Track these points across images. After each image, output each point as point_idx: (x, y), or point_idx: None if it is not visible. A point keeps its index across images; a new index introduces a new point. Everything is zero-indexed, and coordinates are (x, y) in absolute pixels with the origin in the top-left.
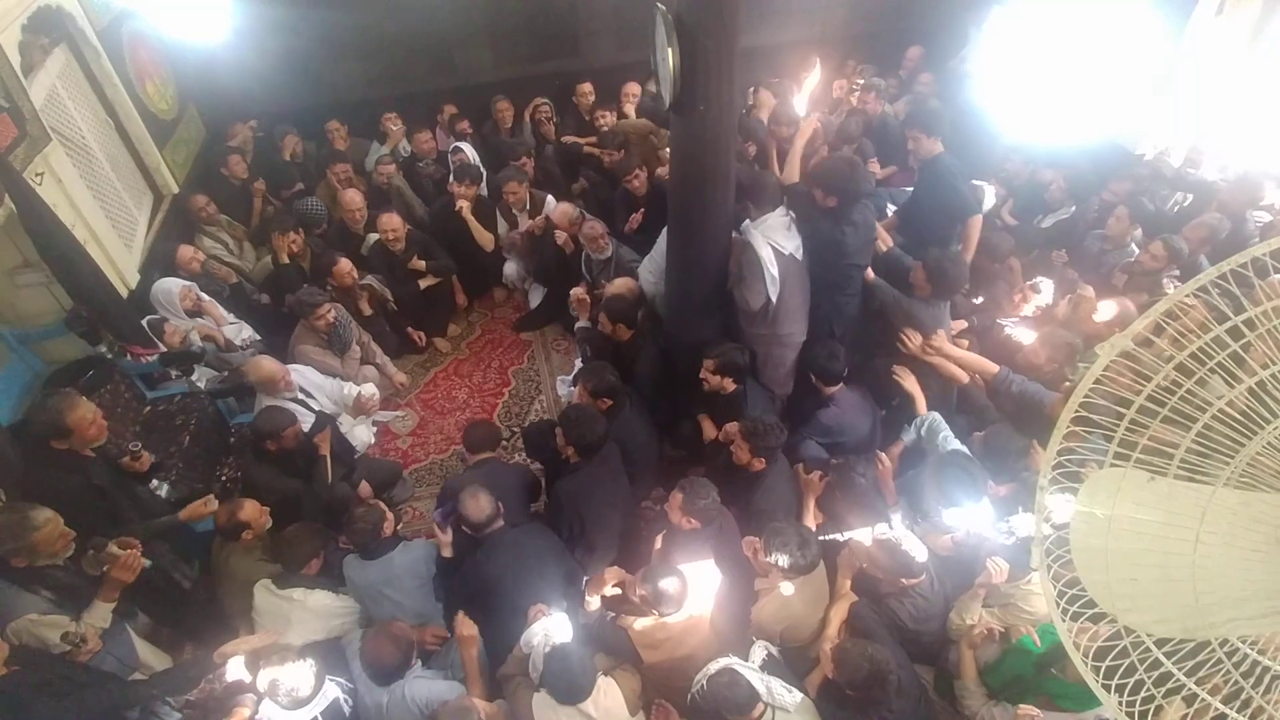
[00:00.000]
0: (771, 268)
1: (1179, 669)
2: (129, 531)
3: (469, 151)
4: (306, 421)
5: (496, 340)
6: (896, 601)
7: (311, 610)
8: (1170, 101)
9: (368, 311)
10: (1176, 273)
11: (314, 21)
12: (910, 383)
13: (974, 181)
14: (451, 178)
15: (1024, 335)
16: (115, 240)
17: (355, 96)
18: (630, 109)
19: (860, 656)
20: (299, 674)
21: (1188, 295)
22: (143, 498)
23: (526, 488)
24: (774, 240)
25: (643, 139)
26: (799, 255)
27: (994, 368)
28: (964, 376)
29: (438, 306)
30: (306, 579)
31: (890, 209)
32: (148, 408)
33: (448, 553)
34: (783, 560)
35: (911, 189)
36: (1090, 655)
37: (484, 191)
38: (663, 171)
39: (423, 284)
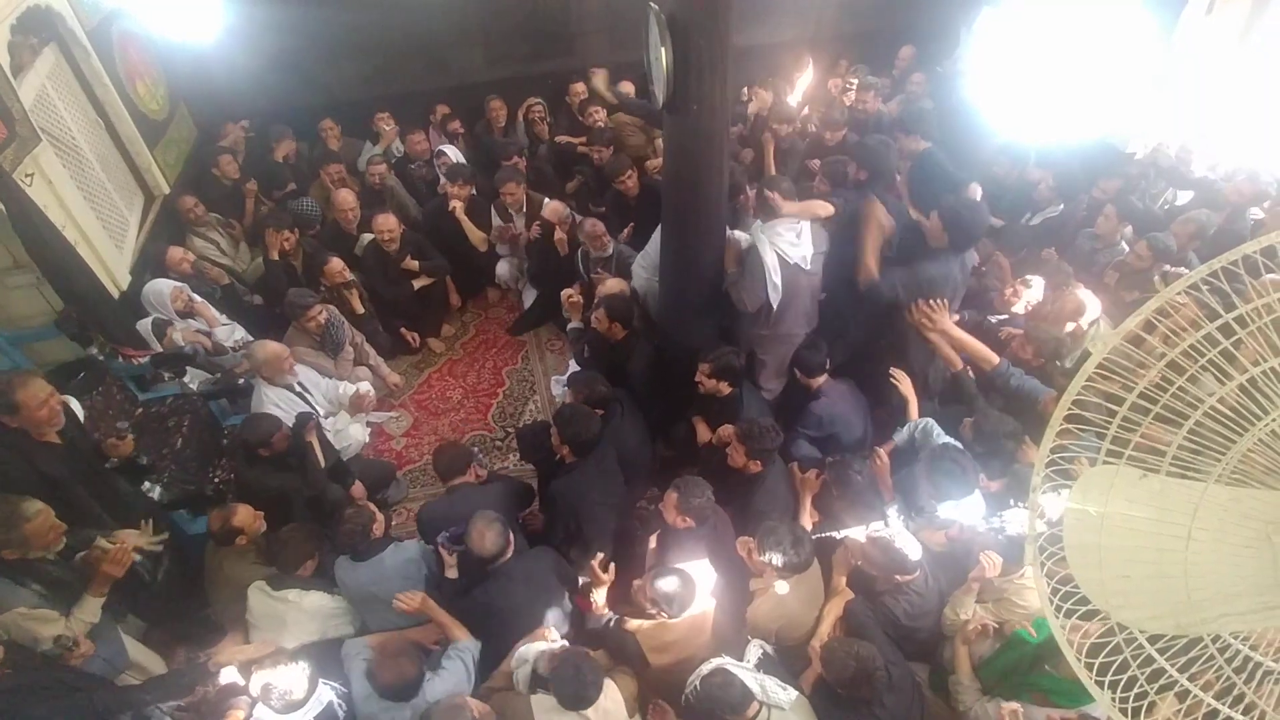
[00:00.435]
0: (775, 275)
1: (1172, 665)
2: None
3: (452, 154)
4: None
5: (490, 340)
6: (891, 598)
7: (307, 611)
8: (1161, 100)
9: (360, 309)
10: (1168, 269)
11: (306, 21)
12: (906, 386)
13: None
14: (443, 179)
15: (1016, 331)
16: (106, 241)
17: (348, 96)
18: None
19: (847, 655)
20: (292, 677)
21: (1179, 293)
22: (121, 492)
23: (507, 504)
24: (780, 248)
25: (635, 131)
26: (806, 265)
27: (995, 359)
28: (958, 362)
29: (431, 307)
30: (301, 580)
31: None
32: (140, 409)
33: (452, 574)
34: (776, 559)
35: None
36: (1084, 652)
37: (474, 191)
38: (655, 164)
39: (416, 284)
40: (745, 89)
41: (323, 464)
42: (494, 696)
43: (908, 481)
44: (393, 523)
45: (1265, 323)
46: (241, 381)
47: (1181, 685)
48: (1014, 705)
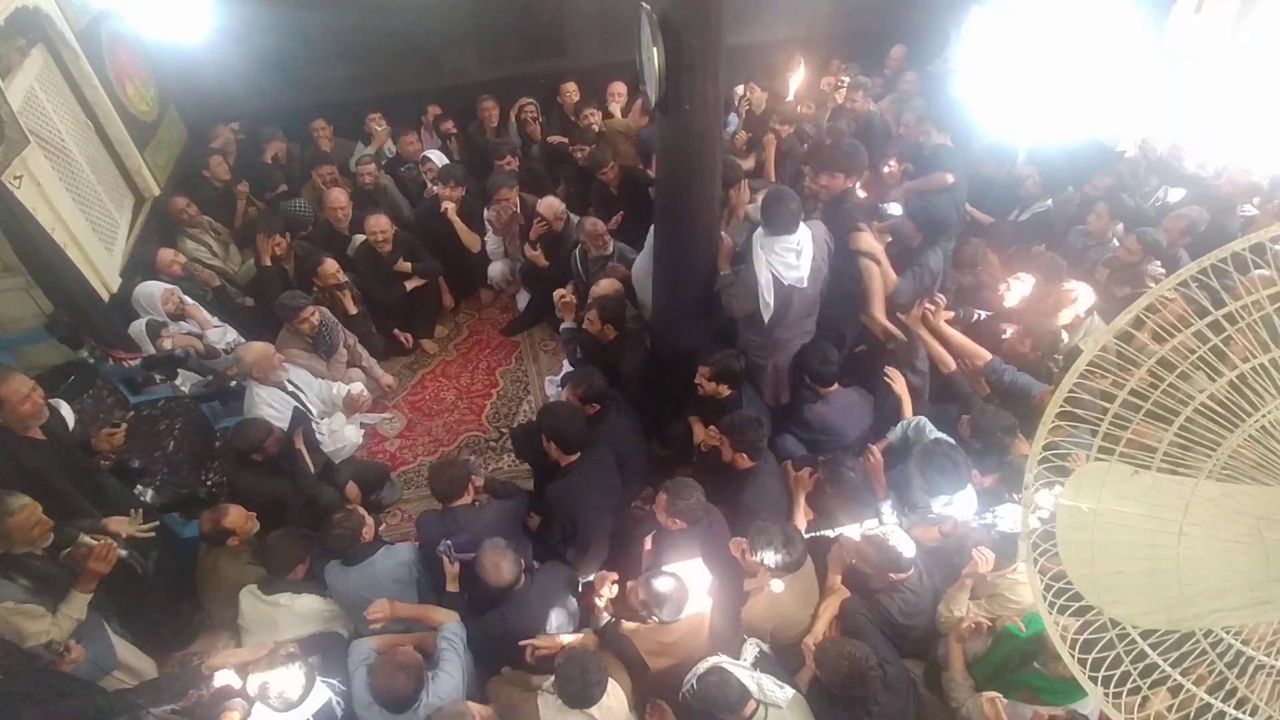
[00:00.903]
0: (767, 293)
1: (1164, 660)
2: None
3: (436, 159)
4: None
5: (484, 341)
6: (886, 596)
7: (299, 615)
8: (1151, 98)
9: (354, 310)
10: (1158, 264)
11: (297, 21)
12: (900, 385)
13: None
14: (433, 182)
15: (1006, 326)
16: (96, 244)
17: (339, 97)
18: (616, 108)
19: (839, 655)
20: (289, 676)
21: (1168, 290)
22: (110, 491)
23: (504, 524)
24: (777, 268)
25: (625, 141)
26: (803, 284)
27: (986, 356)
28: (951, 363)
29: (424, 308)
30: (293, 583)
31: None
32: (131, 413)
33: (453, 588)
34: (769, 559)
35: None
36: (1077, 648)
37: (466, 192)
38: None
39: (409, 285)
40: (741, 87)
41: (313, 468)
42: (503, 689)
43: (901, 478)
44: (382, 525)
45: (1254, 319)
46: (233, 384)
47: (1174, 680)
48: (992, 694)
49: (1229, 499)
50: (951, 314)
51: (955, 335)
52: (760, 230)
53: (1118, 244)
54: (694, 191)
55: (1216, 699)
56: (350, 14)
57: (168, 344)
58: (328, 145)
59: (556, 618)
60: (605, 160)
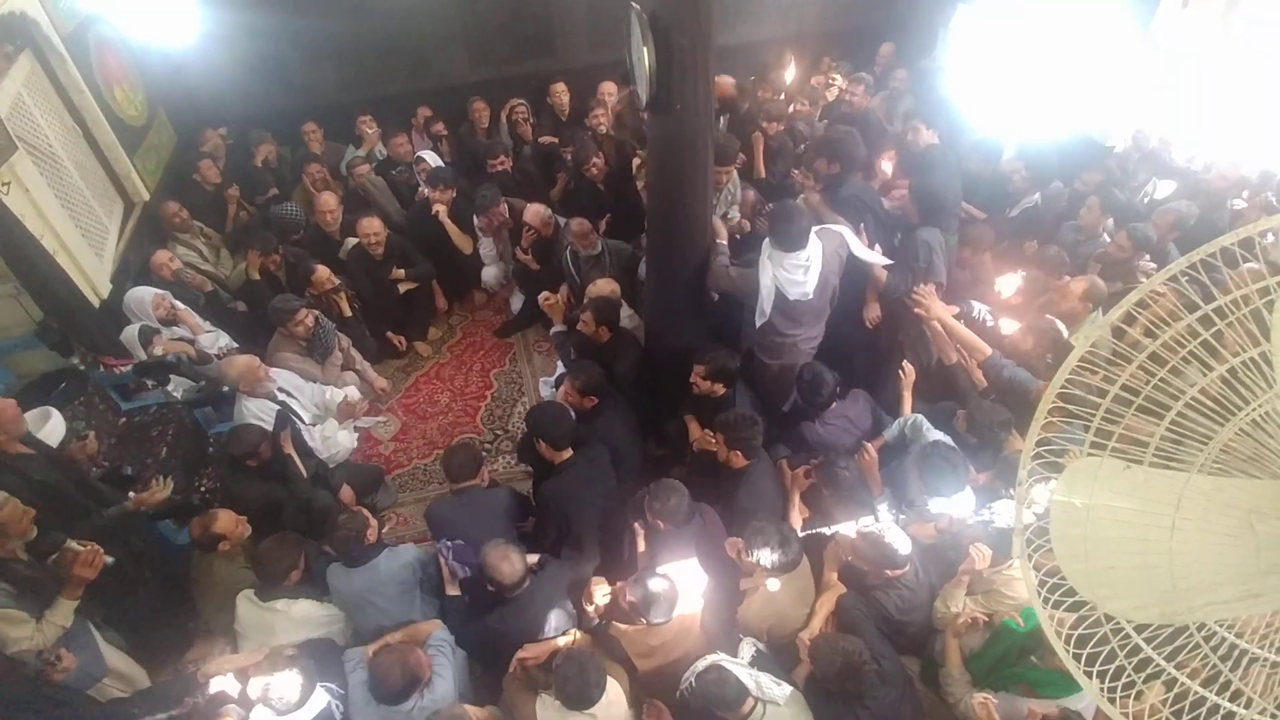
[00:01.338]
0: (766, 303)
1: (1158, 654)
2: (85, 528)
3: (430, 159)
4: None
5: (478, 343)
6: (883, 593)
7: (296, 620)
8: (1141, 94)
9: (348, 313)
10: (1148, 259)
11: (286, 24)
12: (909, 381)
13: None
14: (424, 185)
15: (1005, 324)
16: (85, 250)
17: (329, 100)
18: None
19: (833, 651)
20: (288, 680)
21: (1159, 284)
22: (100, 492)
23: (511, 511)
24: (782, 283)
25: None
26: (807, 298)
27: (987, 349)
28: (953, 355)
29: (418, 310)
30: (289, 589)
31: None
32: (123, 419)
33: (454, 591)
34: (765, 559)
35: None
36: (1071, 642)
37: (458, 194)
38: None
39: (402, 288)
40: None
41: (304, 472)
42: (510, 687)
43: (897, 475)
44: (384, 529)
45: (1244, 314)
46: (225, 389)
47: (1169, 673)
48: (984, 695)
49: (1221, 493)
50: (956, 309)
51: (957, 326)
52: (768, 242)
53: (1108, 239)
54: (685, 190)
55: (1211, 692)
56: (339, 16)
57: (158, 350)
58: (319, 148)
59: (555, 619)
60: (589, 156)
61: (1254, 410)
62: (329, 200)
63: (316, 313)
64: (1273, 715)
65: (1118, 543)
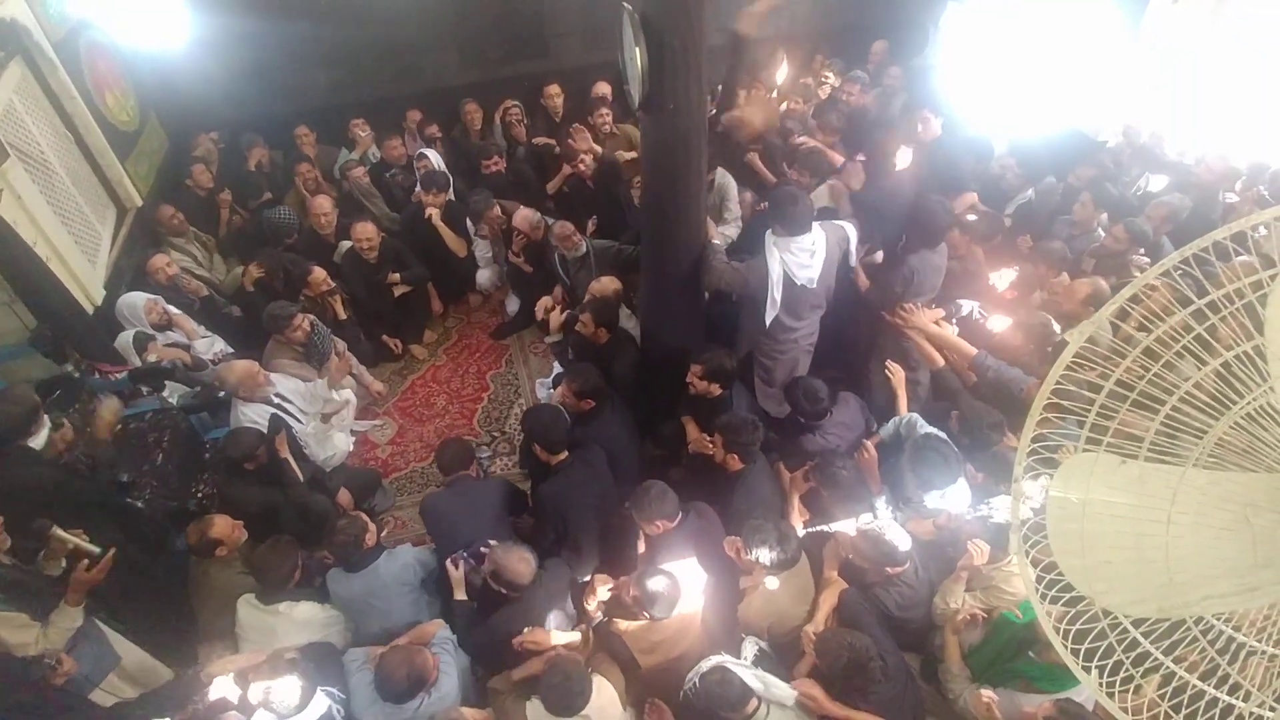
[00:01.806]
0: (776, 291)
1: (1156, 648)
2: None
3: (433, 158)
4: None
5: (474, 346)
6: (883, 590)
7: (297, 623)
8: (1131, 89)
9: (343, 316)
10: (1142, 254)
11: (276, 29)
12: (899, 379)
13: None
14: (418, 186)
15: (997, 321)
16: (79, 256)
17: (321, 104)
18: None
19: (840, 645)
20: (288, 684)
21: (1153, 279)
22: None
23: (505, 503)
24: (790, 267)
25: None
26: (813, 284)
27: (971, 351)
28: (939, 360)
29: (413, 313)
30: (290, 591)
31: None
32: (119, 426)
33: (461, 595)
34: (764, 557)
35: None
36: (1069, 638)
37: (453, 197)
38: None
39: (397, 291)
40: (720, 86)
41: (300, 475)
42: (496, 700)
43: (894, 473)
44: (383, 532)
45: (1237, 307)
46: (221, 394)
47: (1167, 667)
48: (988, 694)
49: (1216, 486)
50: (941, 312)
51: (939, 332)
52: (773, 230)
53: (1103, 234)
54: (679, 190)
55: (1209, 685)
56: (329, 20)
57: (152, 357)
58: (312, 152)
59: (555, 619)
60: (578, 153)
61: (1248, 404)
62: (323, 203)
63: (312, 317)
64: (1271, 708)
65: (1114, 537)
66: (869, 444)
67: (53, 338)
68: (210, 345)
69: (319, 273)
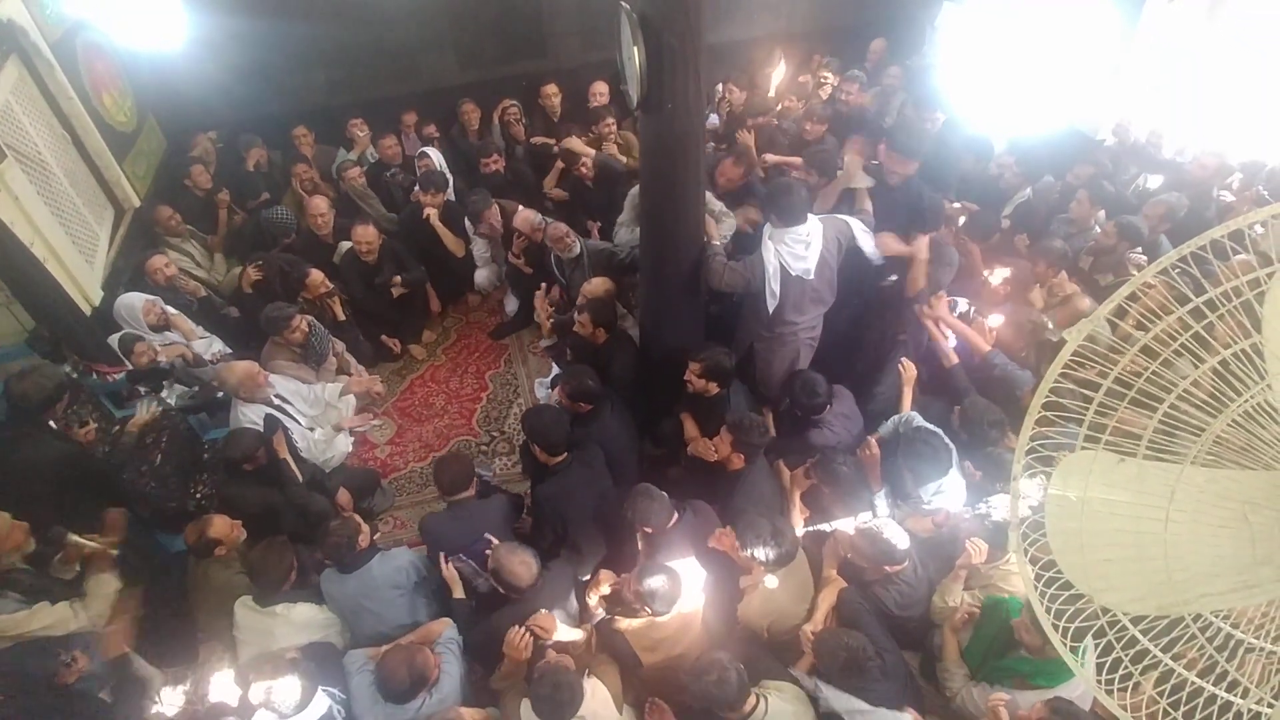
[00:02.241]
0: (774, 283)
1: (1155, 645)
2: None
3: (435, 157)
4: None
5: (472, 346)
6: (882, 589)
7: (295, 624)
8: (1128, 87)
9: (341, 316)
10: (1139, 252)
11: (274, 29)
12: (909, 377)
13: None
14: (417, 186)
15: (992, 319)
16: (76, 257)
17: (319, 104)
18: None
19: (837, 645)
20: (289, 684)
21: (1150, 277)
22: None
23: (506, 522)
24: (785, 258)
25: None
26: (809, 275)
27: (986, 345)
28: (953, 357)
29: (412, 313)
30: (288, 593)
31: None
32: (116, 427)
33: (459, 594)
34: (760, 554)
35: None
36: (1069, 635)
37: (452, 196)
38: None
39: (395, 292)
40: (720, 85)
41: (299, 476)
42: (501, 696)
43: (892, 471)
44: (377, 534)
45: (1234, 305)
46: (220, 395)
47: (1165, 664)
48: (1002, 695)
49: (1214, 484)
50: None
51: (959, 324)
52: (769, 223)
53: (1099, 231)
54: (677, 189)
55: (1207, 682)
56: (327, 20)
57: (144, 360)
58: (310, 152)
59: (558, 618)
60: (578, 158)
61: (1246, 401)
62: (320, 205)
63: (310, 318)
64: (1269, 704)
65: (1113, 535)
66: (873, 441)
67: (50, 339)
68: (208, 346)
69: (316, 275)
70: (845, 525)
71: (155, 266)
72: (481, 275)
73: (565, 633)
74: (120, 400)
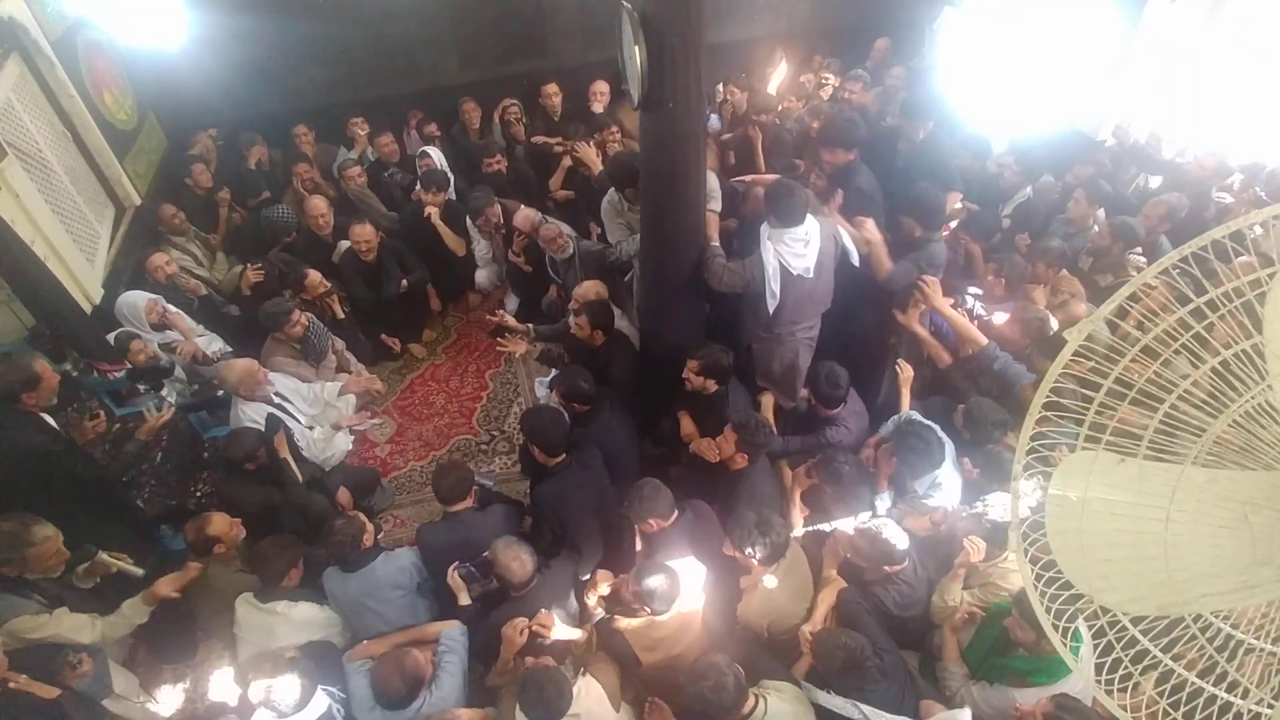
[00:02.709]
0: (774, 282)
1: (1155, 645)
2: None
3: (435, 156)
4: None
5: (472, 345)
6: (881, 589)
7: (296, 623)
8: (1129, 87)
9: (340, 315)
10: (1139, 253)
11: (274, 28)
12: (906, 378)
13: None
14: (418, 185)
15: (997, 316)
16: (77, 255)
17: (319, 102)
18: (598, 107)
19: (835, 646)
20: (289, 683)
21: (1150, 277)
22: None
23: (509, 529)
24: (785, 257)
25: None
26: (809, 274)
27: (983, 340)
28: (947, 358)
29: (412, 312)
30: (289, 591)
31: None
32: (117, 425)
33: (465, 601)
34: (751, 550)
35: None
36: (1069, 635)
37: (453, 195)
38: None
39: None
40: (720, 85)
41: (299, 475)
42: (499, 695)
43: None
44: (380, 532)
45: (1235, 306)
46: (220, 393)
47: (1165, 665)
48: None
49: (1214, 485)
50: (952, 300)
51: (955, 317)
52: (767, 224)
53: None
54: (678, 189)
55: (1207, 682)
56: (328, 19)
57: (141, 357)
58: (310, 151)
59: (557, 617)
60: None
61: (1247, 402)
62: (319, 204)
63: (310, 315)
64: (1269, 705)
65: (1113, 535)
66: (872, 441)
67: (51, 337)
68: (209, 344)
69: (314, 276)
70: (845, 525)
71: (155, 264)
72: (482, 275)
73: (565, 632)
74: (121, 398)
